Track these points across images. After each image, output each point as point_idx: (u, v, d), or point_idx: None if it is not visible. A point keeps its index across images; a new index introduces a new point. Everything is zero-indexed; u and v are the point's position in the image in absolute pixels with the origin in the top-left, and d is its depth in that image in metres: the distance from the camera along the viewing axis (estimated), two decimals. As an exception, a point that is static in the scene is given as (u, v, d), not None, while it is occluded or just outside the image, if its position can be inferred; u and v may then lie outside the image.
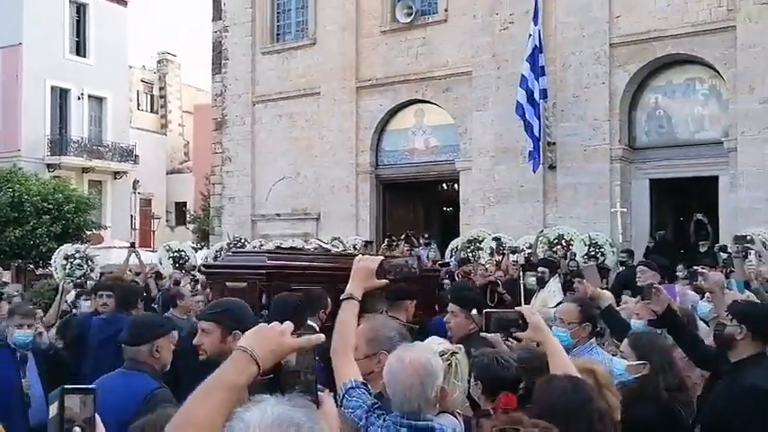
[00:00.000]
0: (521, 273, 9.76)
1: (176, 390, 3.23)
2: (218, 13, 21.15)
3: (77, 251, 14.94)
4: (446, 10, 17.19)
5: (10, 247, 20.30)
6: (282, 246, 18.05)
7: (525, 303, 7.32)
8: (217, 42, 21.11)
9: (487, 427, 3.19)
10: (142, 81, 37.54)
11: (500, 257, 13.13)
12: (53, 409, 1.57)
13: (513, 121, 15.21)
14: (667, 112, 15.01)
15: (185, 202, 34.64)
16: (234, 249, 13.70)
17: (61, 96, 30.20)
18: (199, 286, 9.81)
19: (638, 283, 7.94)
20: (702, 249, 14.66)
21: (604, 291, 6.12)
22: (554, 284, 8.91)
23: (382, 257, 3.10)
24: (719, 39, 13.90)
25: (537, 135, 14.44)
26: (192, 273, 12.66)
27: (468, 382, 3.12)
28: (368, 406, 2.68)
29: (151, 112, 38.15)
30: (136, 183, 31.92)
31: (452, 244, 15.70)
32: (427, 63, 17.43)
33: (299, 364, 1.77)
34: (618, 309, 5.50)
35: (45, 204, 20.96)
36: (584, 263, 12.76)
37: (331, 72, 18.78)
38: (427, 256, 14.29)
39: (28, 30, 28.13)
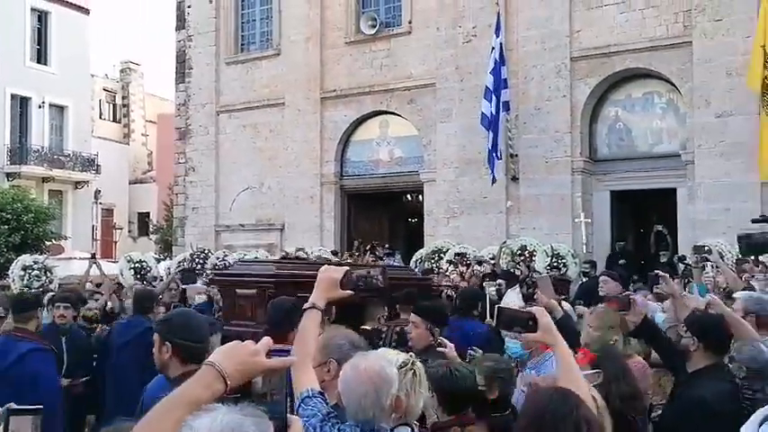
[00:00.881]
0: (482, 283, 9.82)
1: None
2: (181, 23, 21.03)
3: (36, 262, 14.63)
4: (410, 22, 17.33)
5: (-34, 257, 19.85)
6: (246, 256, 18.01)
7: (489, 315, 7.35)
8: (180, 52, 20.97)
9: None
10: (105, 90, 37.10)
11: (465, 268, 13.20)
12: None
13: (476, 133, 15.36)
14: (627, 125, 15.28)
15: (148, 213, 34.23)
16: (220, 265, 13.71)
17: (22, 104, 29.66)
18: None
19: (600, 293, 8.07)
20: (663, 260, 14.94)
21: (555, 301, 6.20)
22: (512, 295, 8.98)
23: (347, 268, 3.09)
24: (676, 54, 14.21)
25: (496, 148, 14.59)
26: (153, 284, 12.50)
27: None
28: (323, 415, 2.66)
29: (114, 121, 37.68)
30: (97, 193, 31.47)
31: (417, 255, 15.72)
32: (391, 74, 17.53)
33: (267, 385, 1.74)
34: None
35: (3, 214, 20.57)
36: (548, 273, 12.90)
37: (295, 83, 18.78)
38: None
39: (-12, 37, 27.63)
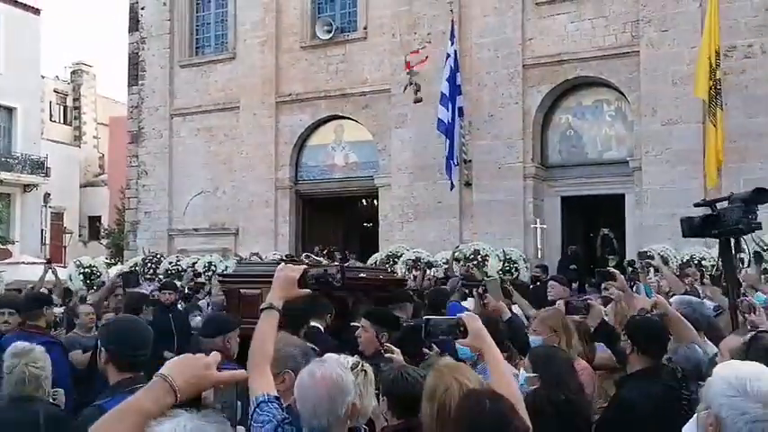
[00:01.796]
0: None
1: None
2: (134, 25, 20.76)
3: (-20, 267, 14.33)
4: (365, 28, 17.41)
5: None
6: (200, 261, 17.85)
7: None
8: (133, 54, 20.70)
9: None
10: (55, 92, 36.34)
11: (418, 273, 13.30)
12: None
13: (430, 139, 15.50)
14: (578, 132, 15.59)
15: (99, 217, 33.63)
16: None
17: (-32, 106, 28.95)
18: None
19: (549, 298, 8.21)
20: (611, 264, 15.25)
21: (504, 304, 6.31)
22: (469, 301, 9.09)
23: (305, 267, 3.07)
24: (625, 63, 14.57)
25: (452, 154, 14.75)
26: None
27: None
28: (278, 421, 2.63)
29: (64, 123, 36.93)
30: (47, 196, 30.81)
31: (371, 259, 15.79)
32: (347, 80, 17.59)
33: (219, 398, 1.75)
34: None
35: (-53, 218, 20.01)
36: (500, 278, 13.07)
37: (251, 87, 18.70)
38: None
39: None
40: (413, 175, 16.43)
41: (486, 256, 14.88)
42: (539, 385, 3.69)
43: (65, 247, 31.71)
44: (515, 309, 6.85)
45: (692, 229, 4.77)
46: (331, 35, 17.76)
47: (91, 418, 2.80)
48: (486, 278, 12.78)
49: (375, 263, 15.47)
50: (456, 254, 14.71)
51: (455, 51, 15.04)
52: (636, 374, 3.86)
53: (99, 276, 15.84)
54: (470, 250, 15.06)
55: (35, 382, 3.67)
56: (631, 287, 8.53)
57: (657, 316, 4.69)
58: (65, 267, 20.18)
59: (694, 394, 3.66)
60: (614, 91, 14.99)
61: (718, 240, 4.82)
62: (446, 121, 14.83)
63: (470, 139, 15.63)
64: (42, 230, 30.54)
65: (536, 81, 15.40)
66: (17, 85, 29.42)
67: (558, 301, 6.38)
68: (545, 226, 14.82)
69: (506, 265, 14.73)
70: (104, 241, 30.28)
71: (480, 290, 6.60)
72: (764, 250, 11.25)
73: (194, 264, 18.12)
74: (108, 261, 21.26)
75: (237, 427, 1.81)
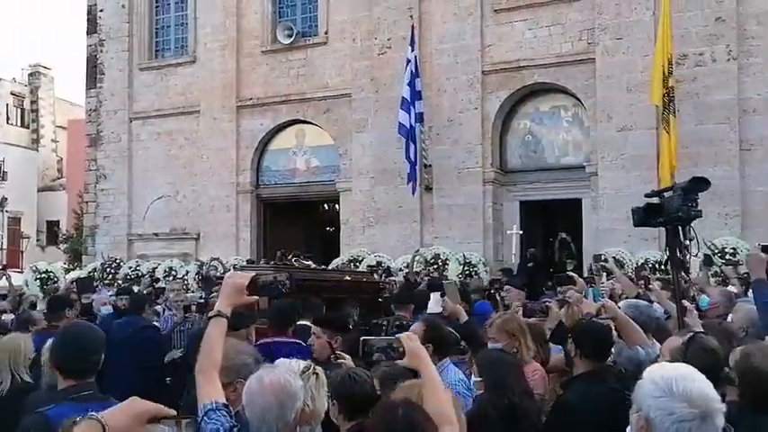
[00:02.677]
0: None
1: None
2: (93, 27, 20.49)
3: (-68, 273, 14.00)
4: (326, 33, 17.44)
5: None
6: (161, 265, 17.69)
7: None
8: (92, 56, 20.43)
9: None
10: (12, 94, 35.69)
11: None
12: None
13: (391, 144, 15.59)
14: (536, 138, 15.80)
15: (58, 221, 33.06)
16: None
17: None
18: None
19: (505, 302, 8.34)
20: (569, 267, 15.51)
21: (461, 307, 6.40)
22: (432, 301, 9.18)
23: (254, 274, 3.08)
24: (581, 70, 14.82)
25: (412, 158, 14.87)
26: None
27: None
28: (226, 429, 2.60)
29: (22, 126, 36.26)
30: (4, 200, 30.24)
31: (333, 264, 15.82)
32: (308, 84, 17.59)
33: None
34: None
35: None
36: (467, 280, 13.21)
37: (211, 90, 18.60)
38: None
39: None
40: (374, 180, 16.50)
41: (447, 259, 15.04)
42: (480, 390, 3.75)
43: (22, 252, 31.12)
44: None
45: (640, 218, 4.90)
46: (292, 40, 17.75)
47: (34, 425, 2.80)
48: (446, 281, 12.98)
49: (337, 267, 15.51)
50: (417, 258, 14.85)
51: (415, 57, 15.17)
52: (580, 377, 3.94)
53: (56, 282, 15.61)
54: (431, 254, 15.21)
55: None
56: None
57: (606, 320, 4.81)
58: (21, 273, 19.86)
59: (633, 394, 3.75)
60: (571, 97, 15.25)
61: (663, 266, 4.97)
62: (407, 126, 14.95)
63: (430, 144, 15.74)
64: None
65: (495, 87, 15.59)
66: (-28, 87, 28.84)
67: (515, 305, 6.51)
68: (521, 232, 14.99)
69: (466, 268, 14.90)
70: (63, 246, 29.76)
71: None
72: (714, 253, 11.59)
73: (154, 269, 17.98)
74: (66, 266, 20.96)
75: None
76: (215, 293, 8.17)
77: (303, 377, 2.87)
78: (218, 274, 15.36)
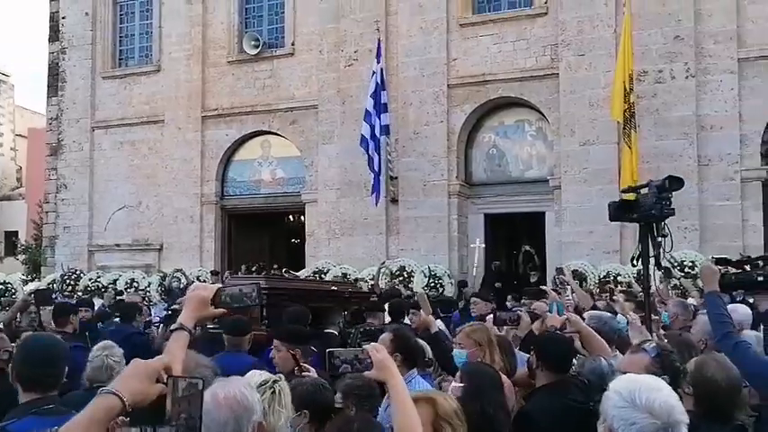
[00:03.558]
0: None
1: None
2: (55, 34, 20.21)
3: None
4: (293, 44, 17.44)
5: None
6: (122, 277, 17.45)
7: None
8: (53, 64, 20.13)
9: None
10: (-30, 101, 34.93)
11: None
12: None
13: (357, 155, 15.61)
14: (501, 151, 15.96)
15: (16, 231, 32.39)
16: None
17: None
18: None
19: (472, 314, 8.39)
20: (533, 279, 15.69)
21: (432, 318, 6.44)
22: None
23: (219, 286, 3.04)
24: (544, 84, 15.04)
25: (376, 169, 14.92)
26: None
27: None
28: None
29: (-21, 134, 35.51)
30: (-41, 210, 29.48)
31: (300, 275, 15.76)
32: (274, 95, 17.55)
33: (177, 411, 1.82)
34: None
35: None
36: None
37: (176, 100, 18.45)
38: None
39: None
40: (339, 192, 16.49)
41: (412, 272, 15.10)
42: (459, 395, 3.77)
43: (-22, 262, 30.38)
44: (440, 323, 7.00)
45: (614, 212, 4.97)
46: (258, 50, 17.71)
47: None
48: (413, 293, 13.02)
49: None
50: (382, 270, 14.87)
51: (381, 69, 15.24)
52: (541, 389, 3.97)
53: (14, 294, 15.28)
54: (396, 266, 15.25)
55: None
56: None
57: (569, 333, 4.87)
58: (-23, 284, 19.36)
59: (596, 405, 3.80)
60: (535, 111, 15.44)
61: (632, 261, 5.05)
62: (368, 138, 14.99)
63: (396, 156, 15.81)
64: (-47, 245, 29.19)
65: (460, 100, 15.73)
66: (-72, 94, 28.17)
67: (487, 317, 6.54)
68: (483, 245, 15.11)
69: (431, 280, 14.96)
70: (21, 257, 29.15)
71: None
72: (674, 266, 11.81)
73: (115, 280, 17.72)
74: (24, 278, 20.53)
75: None
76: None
77: (260, 390, 2.86)
78: (181, 285, 15.23)
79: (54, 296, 14.02)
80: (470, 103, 15.63)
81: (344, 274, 14.97)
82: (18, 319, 7.84)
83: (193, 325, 2.84)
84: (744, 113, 13.64)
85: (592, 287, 12.80)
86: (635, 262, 4.87)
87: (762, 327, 5.71)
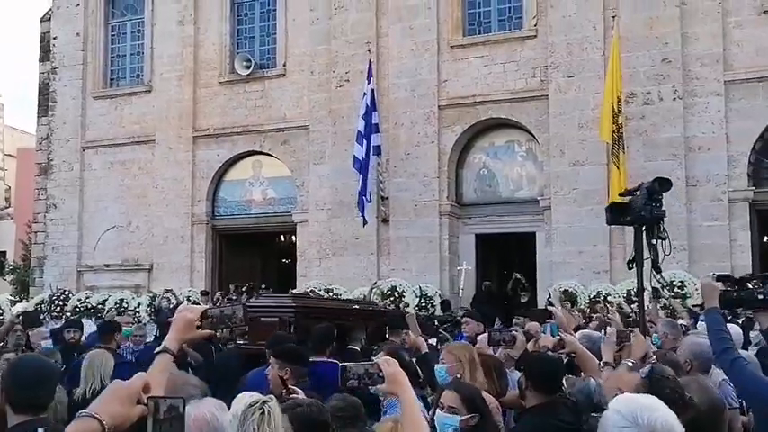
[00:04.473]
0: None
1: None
2: (46, 54, 20.25)
3: None
4: (284, 65, 17.53)
5: None
6: (111, 297, 17.35)
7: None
8: (44, 84, 20.15)
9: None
10: (-41, 120, 34.85)
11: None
12: None
13: (348, 176, 15.66)
14: (491, 171, 16.04)
15: (5, 252, 32.14)
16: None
17: None
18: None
19: (464, 334, 8.38)
20: (523, 300, 15.71)
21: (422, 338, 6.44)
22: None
23: (205, 307, 3.04)
24: (534, 106, 15.16)
25: (365, 190, 14.96)
26: None
27: None
28: None
29: (-32, 153, 35.40)
30: (-53, 229, 29.30)
31: (288, 296, 15.71)
32: (265, 115, 17.60)
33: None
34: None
35: None
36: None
37: (167, 120, 18.48)
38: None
39: None
40: (330, 212, 16.51)
41: (403, 291, 15.10)
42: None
43: (-35, 283, 30.11)
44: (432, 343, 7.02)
45: (611, 216, 5.00)
46: (250, 71, 17.78)
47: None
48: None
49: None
50: (374, 290, 14.86)
51: (372, 90, 15.33)
52: (531, 410, 3.99)
53: (1, 314, 15.17)
54: (388, 286, 15.25)
55: None
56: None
57: (562, 353, 4.89)
58: (-36, 305, 19.21)
59: (585, 424, 3.82)
60: (525, 132, 15.55)
61: (628, 264, 5.05)
62: (360, 159, 15.06)
63: (387, 176, 15.87)
64: (-59, 265, 28.96)
65: (451, 121, 15.82)
66: None
67: (478, 337, 6.54)
68: (470, 267, 15.14)
69: (422, 300, 14.97)
70: (9, 277, 28.91)
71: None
72: (663, 287, 11.84)
73: (104, 301, 17.62)
74: (12, 298, 20.42)
75: None
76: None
77: (249, 411, 2.86)
78: (171, 305, 15.17)
79: (42, 317, 13.93)
80: (461, 123, 15.73)
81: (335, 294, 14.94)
82: (4, 340, 7.79)
83: (178, 347, 2.85)
84: (730, 135, 13.79)
85: (583, 307, 12.83)
86: (630, 265, 4.88)
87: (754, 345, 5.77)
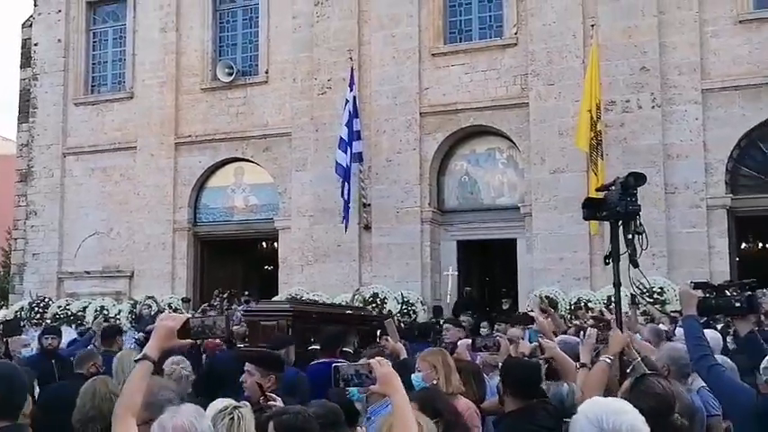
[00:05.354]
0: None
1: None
2: (27, 61, 20.14)
3: None
4: (267, 72, 17.54)
5: None
6: (92, 304, 17.23)
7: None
8: (25, 90, 20.03)
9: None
10: (-62, 126, 34.50)
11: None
12: None
13: (330, 182, 15.69)
14: (472, 178, 16.13)
15: (-17, 259, 31.81)
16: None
17: None
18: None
19: (445, 341, 8.43)
20: (505, 306, 15.78)
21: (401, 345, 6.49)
22: None
23: (188, 316, 3.05)
24: (515, 113, 15.27)
25: (347, 196, 15.01)
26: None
27: None
28: None
29: (-53, 159, 34.99)
30: (-75, 236, 28.96)
31: (271, 302, 15.70)
32: (248, 122, 17.61)
33: None
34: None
35: None
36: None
37: (149, 127, 18.42)
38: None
39: None
40: (313, 218, 16.52)
41: (385, 298, 15.13)
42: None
43: (-57, 290, 29.76)
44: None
45: (587, 212, 5.04)
46: (232, 78, 17.78)
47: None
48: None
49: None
50: (356, 296, 14.89)
51: (354, 97, 15.39)
52: (509, 415, 4.04)
53: (-20, 322, 14.99)
54: (370, 293, 15.27)
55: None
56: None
57: (541, 359, 4.93)
58: (-58, 313, 18.98)
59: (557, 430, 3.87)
60: (506, 140, 15.65)
61: (605, 259, 5.11)
62: (344, 165, 15.11)
63: (369, 183, 15.91)
64: None
65: (432, 128, 15.90)
66: None
67: (459, 342, 6.58)
68: (456, 273, 15.20)
69: (404, 307, 15.01)
70: (-13, 285, 28.66)
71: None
72: (642, 293, 11.97)
73: (85, 308, 17.50)
74: (-9, 305, 20.20)
75: None
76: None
77: (219, 417, 2.88)
78: (152, 312, 15.10)
79: (22, 324, 13.81)
80: (442, 131, 15.82)
81: (315, 301, 14.93)
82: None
83: (158, 355, 2.88)
84: (708, 142, 13.97)
85: (563, 313, 12.92)
86: (607, 260, 4.93)
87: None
